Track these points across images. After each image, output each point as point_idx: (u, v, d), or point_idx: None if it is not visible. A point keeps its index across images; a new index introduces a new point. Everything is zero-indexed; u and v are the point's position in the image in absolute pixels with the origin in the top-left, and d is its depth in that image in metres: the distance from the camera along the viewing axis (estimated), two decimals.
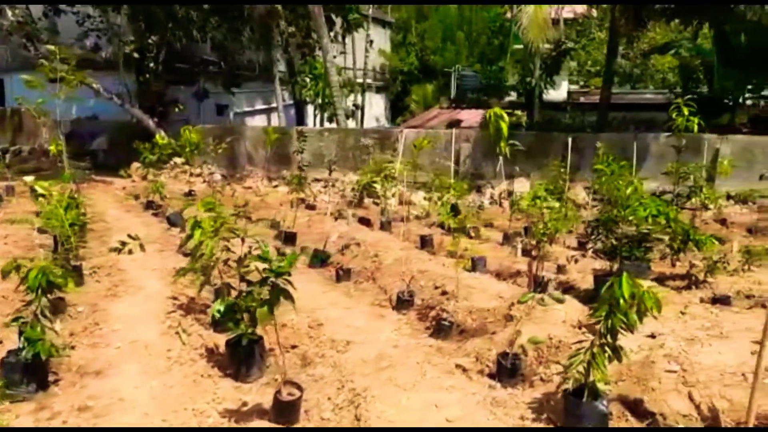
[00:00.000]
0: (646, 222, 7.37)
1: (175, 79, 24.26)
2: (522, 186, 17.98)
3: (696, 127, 9.26)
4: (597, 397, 4.12)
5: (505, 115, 9.97)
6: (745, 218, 13.83)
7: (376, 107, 41.22)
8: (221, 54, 25.99)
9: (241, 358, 4.79)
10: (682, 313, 6.34)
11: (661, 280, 8.02)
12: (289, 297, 3.80)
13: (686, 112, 9.18)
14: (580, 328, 5.92)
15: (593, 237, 7.24)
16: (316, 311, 6.05)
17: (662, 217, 7.52)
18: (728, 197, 16.76)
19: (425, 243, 10.06)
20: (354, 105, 29.71)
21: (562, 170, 15.71)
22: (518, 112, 24.60)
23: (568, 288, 7.49)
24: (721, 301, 7.00)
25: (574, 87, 41.67)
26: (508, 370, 4.91)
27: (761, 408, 4.25)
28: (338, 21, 25.23)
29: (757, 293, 7.22)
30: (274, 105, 27.22)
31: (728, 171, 12.16)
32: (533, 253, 8.81)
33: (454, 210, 14.04)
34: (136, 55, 20.73)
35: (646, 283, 7.27)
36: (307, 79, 26.75)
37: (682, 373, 4.60)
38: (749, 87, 19.61)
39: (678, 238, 7.80)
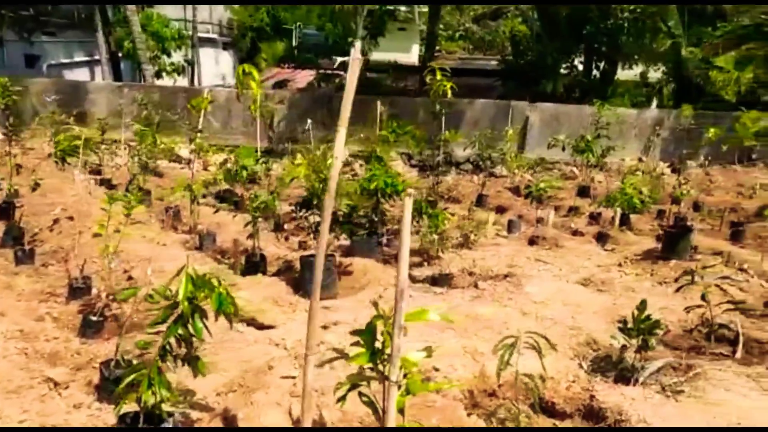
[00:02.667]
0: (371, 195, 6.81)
1: None
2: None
3: (450, 92, 8.81)
4: (160, 422, 3.35)
5: (255, 73, 9.06)
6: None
7: (224, 64, 38.95)
8: None
9: None
10: (380, 297, 5.81)
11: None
12: None
13: (439, 76, 8.70)
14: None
15: (298, 215, 6.48)
16: None
17: (390, 189, 6.99)
18: (538, 164, 17.02)
19: (175, 215, 8.99)
20: (186, 61, 27.67)
21: (362, 135, 15.17)
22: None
23: (285, 269, 6.76)
24: (440, 280, 6.59)
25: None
26: (112, 382, 4.05)
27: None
28: None
29: (480, 270, 6.89)
30: (97, 57, 24.65)
31: (513, 139, 12.02)
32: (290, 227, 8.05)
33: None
34: None
35: (362, 262, 6.76)
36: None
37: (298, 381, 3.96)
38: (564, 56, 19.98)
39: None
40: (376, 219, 7.14)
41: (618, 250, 8.41)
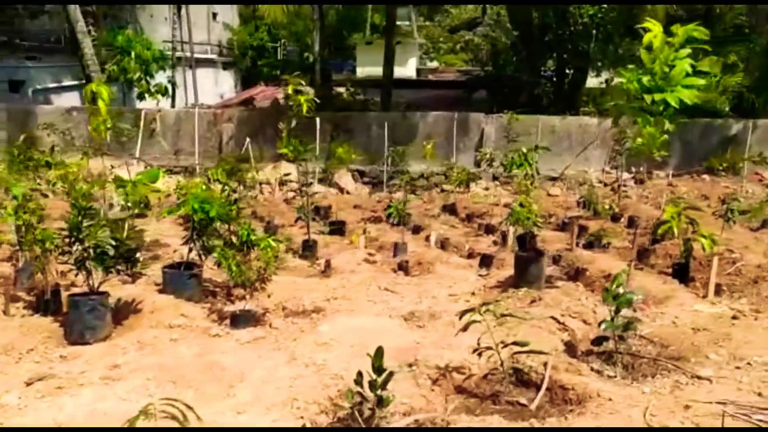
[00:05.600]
0: None
1: None
2: (287, 169, 16.78)
3: (306, 107, 8.19)
4: None
5: (104, 91, 8.52)
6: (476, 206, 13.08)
7: (224, 84, 39.26)
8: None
9: None
10: (139, 342, 5.17)
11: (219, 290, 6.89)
12: None
13: (291, 91, 8.07)
14: None
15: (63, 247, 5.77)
16: None
17: (199, 215, 6.37)
18: (494, 178, 16.24)
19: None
20: (169, 81, 27.71)
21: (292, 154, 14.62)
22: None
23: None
24: (241, 318, 5.87)
25: (434, 64, 41.13)
26: None
27: None
28: None
29: (293, 305, 6.18)
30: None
31: (431, 153, 11.29)
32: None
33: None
34: None
35: (158, 299, 6.12)
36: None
37: None
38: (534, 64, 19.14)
39: (240, 239, 6.66)
40: (194, 248, 6.51)
41: (492, 275, 7.60)
